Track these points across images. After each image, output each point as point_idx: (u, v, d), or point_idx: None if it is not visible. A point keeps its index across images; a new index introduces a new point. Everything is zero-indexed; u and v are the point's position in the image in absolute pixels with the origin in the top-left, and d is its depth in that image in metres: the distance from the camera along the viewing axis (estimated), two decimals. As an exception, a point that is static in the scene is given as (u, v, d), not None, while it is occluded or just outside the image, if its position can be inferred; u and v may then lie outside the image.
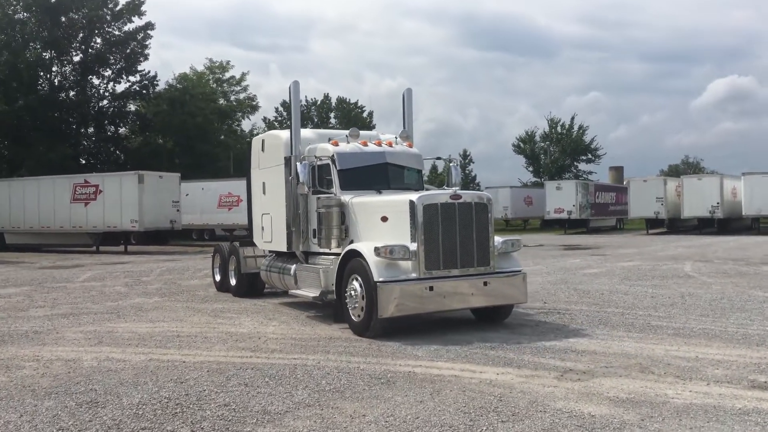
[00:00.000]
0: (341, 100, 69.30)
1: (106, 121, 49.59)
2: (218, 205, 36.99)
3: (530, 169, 73.94)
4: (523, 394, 6.27)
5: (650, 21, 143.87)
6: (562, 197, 44.79)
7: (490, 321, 9.96)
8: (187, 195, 35.16)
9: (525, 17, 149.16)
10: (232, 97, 59.79)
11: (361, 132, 11.37)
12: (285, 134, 11.80)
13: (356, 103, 69.67)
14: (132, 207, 29.59)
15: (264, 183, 12.38)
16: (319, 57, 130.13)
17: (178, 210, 31.20)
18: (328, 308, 10.77)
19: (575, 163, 73.03)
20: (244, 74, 60.04)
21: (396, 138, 11.67)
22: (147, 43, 48.69)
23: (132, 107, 50.98)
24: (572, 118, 72.67)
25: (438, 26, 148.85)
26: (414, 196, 9.32)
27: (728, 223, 40.40)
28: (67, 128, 47.25)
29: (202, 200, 37.32)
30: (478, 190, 71.90)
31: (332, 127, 61.49)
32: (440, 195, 9.46)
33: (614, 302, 11.98)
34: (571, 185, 46.50)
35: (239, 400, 6.23)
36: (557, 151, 72.14)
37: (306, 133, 11.70)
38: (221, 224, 36.53)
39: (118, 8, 47.11)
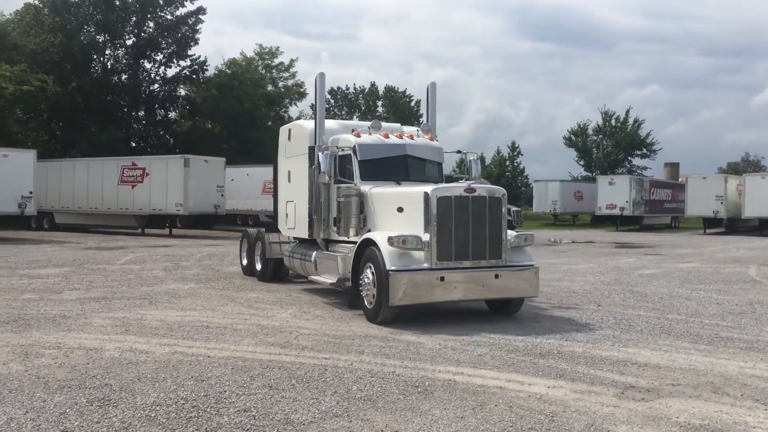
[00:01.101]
0: (389, 89, 68.53)
1: (157, 105, 50.18)
2: (262, 191, 36.64)
3: (581, 162, 71.49)
4: (578, 414, 5.52)
5: (711, 14, 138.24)
6: (614, 193, 43.05)
7: (526, 320, 9.74)
8: (232, 180, 35.02)
9: (583, 8, 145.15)
10: (281, 84, 59.53)
11: (384, 124, 11.58)
12: (310, 124, 11.99)
13: (404, 92, 68.85)
14: (177, 190, 29.60)
15: (289, 171, 12.71)
16: (369, 46, 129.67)
17: (222, 195, 31.08)
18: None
19: (629, 158, 70.32)
20: (292, 60, 59.68)
21: (418, 131, 11.75)
22: (198, 27, 49.02)
23: (182, 92, 51.45)
24: (627, 112, 69.90)
25: (491, 17, 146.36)
26: (428, 188, 9.40)
27: (792, 224, 38.08)
28: (119, 111, 47.97)
29: (247, 186, 37.13)
30: (527, 183, 70.84)
31: (380, 116, 60.96)
32: (455, 188, 9.54)
33: (676, 308, 11.01)
34: (625, 180, 44.64)
35: (261, 405, 5.67)
36: (610, 144, 69.61)
37: (330, 123, 11.93)
38: (265, 210, 36.11)
39: (170, -8, 47.49)
